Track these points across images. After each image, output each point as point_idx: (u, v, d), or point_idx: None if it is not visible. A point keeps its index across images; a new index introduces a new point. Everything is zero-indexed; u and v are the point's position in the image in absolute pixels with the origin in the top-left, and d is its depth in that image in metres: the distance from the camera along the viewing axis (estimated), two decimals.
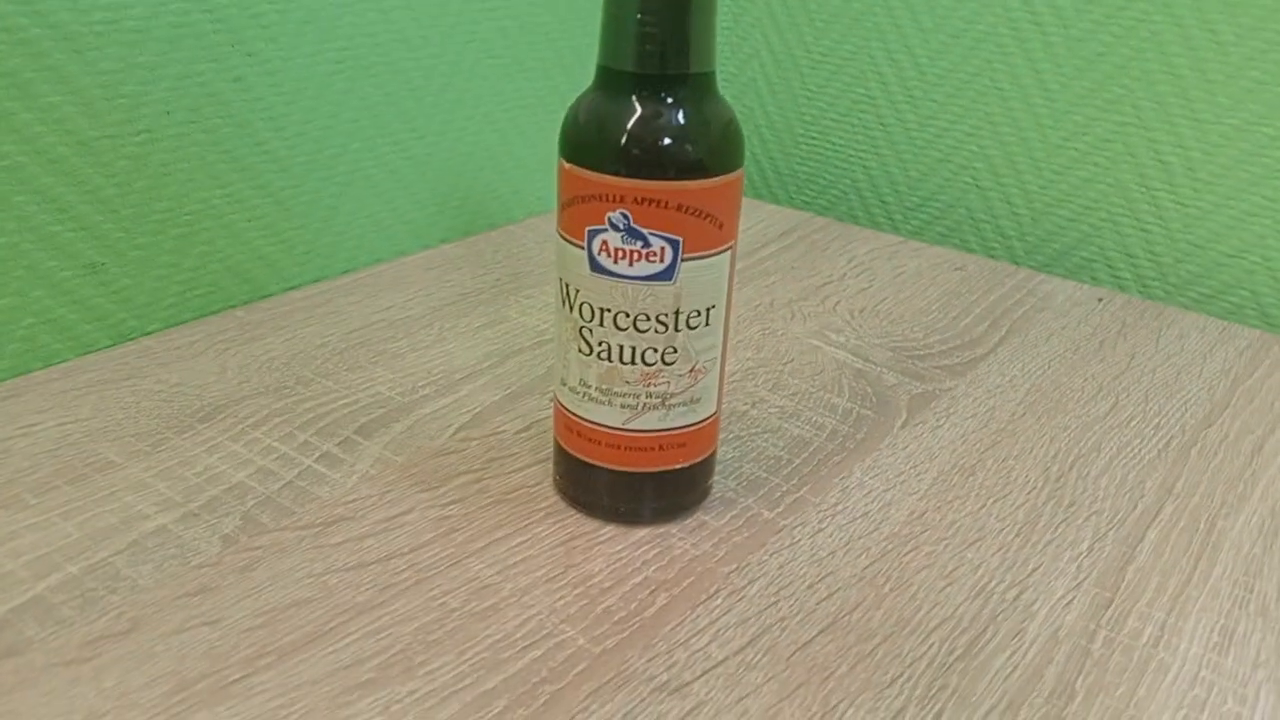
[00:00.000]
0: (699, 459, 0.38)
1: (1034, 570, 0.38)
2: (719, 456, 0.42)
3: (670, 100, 0.34)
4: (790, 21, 0.75)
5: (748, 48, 0.78)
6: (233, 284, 0.53)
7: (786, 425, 0.46)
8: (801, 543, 0.38)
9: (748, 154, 0.81)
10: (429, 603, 0.34)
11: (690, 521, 0.39)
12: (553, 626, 0.34)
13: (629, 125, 0.33)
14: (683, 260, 0.34)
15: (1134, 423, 0.48)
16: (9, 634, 0.32)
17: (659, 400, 0.36)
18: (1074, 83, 0.64)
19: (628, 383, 0.36)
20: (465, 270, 0.59)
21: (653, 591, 0.35)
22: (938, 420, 0.47)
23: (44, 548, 0.36)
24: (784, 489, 0.41)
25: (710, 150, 0.34)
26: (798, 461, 0.43)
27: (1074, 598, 0.36)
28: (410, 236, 0.61)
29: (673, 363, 0.36)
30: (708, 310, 0.36)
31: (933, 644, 0.34)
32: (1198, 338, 0.56)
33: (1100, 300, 0.60)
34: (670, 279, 0.34)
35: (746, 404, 0.47)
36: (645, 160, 0.33)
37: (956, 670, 0.33)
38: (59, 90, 0.44)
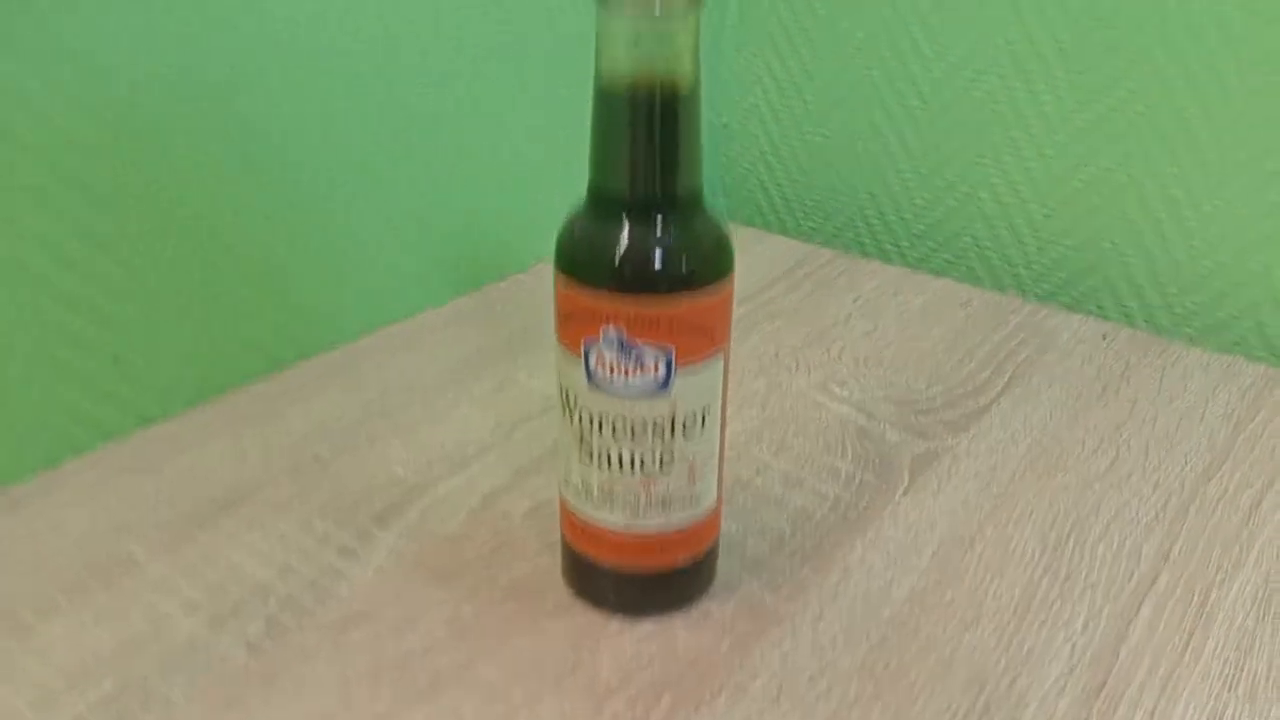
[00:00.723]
0: (701, 552, 0.40)
1: (1029, 653, 0.39)
2: (724, 532, 0.44)
3: (660, 218, 0.34)
4: (792, 49, 0.75)
5: (751, 75, 0.78)
6: (250, 359, 0.55)
7: (790, 495, 0.47)
8: (803, 630, 0.40)
9: (754, 181, 0.81)
10: (444, 713, 0.36)
11: (695, 611, 0.40)
12: None
13: (620, 246, 0.34)
14: (677, 372, 0.35)
15: (1133, 479, 0.48)
16: None
17: (659, 502, 0.37)
18: (1076, 115, 0.64)
19: (628, 488, 0.37)
20: (476, 327, 0.61)
21: (659, 692, 0.37)
22: (939, 484, 0.48)
23: (81, 660, 0.37)
24: (787, 569, 0.43)
25: (700, 266, 0.35)
26: (800, 536, 0.44)
27: (1066, 683, 0.38)
28: (422, 293, 0.63)
29: (670, 468, 0.37)
30: (703, 414, 0.37)
31: None
32: (1201, 377, 0.57)
33: (1105, 337, 0.60)
34: (665, 390, 0.35)
35: (751, 471, 0.49)
36: (637, 280, 0.34)
37: None
38: (74, 194, 0.45)
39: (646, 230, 0.34)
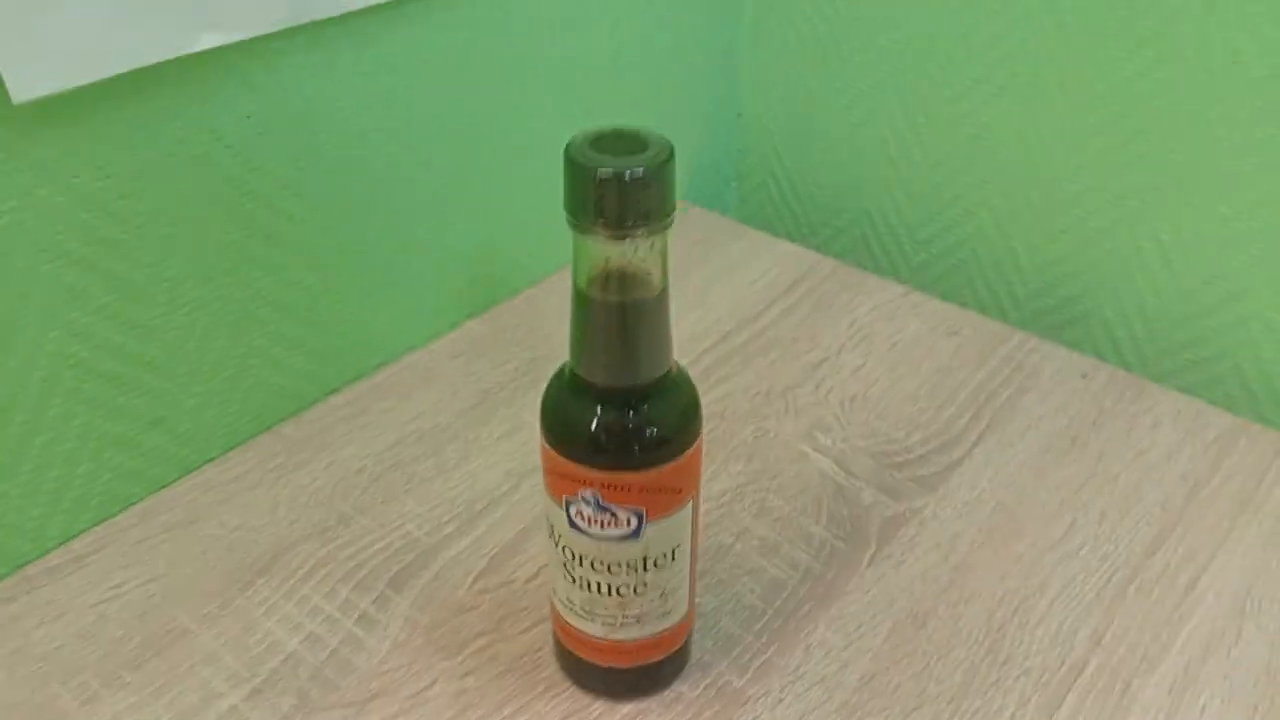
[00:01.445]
0: (674, 651, 0.45)
1: None
2: (700, 610, 0.49)
3: (630, 400, 0.38)
4: (808, 46, 0.76)
5: (766, 68, 0.79)
6: (279, 403, 0.59)
7: (765, 564, 0.52)
8: (762, 716, 0.45)
9: (764, 171, 0.83)
10: None
11: (669, 693, 0.46)
12: None
13: (593, 427, 0.38)
14: (648, 523, 0.40)
15: (1084, 551, 0.53)
16: None
17: (634, 619, 0.42)
18: (1078, 148, 0.65)
19: (606, 608, 0.42)
20: (488, 356, 0.65)
21: None
22: (903, 553, 0.53)
23: None
24: (754, 648, 0.48)
25: (668, 439, 0.39)
26: (770, 613, 0.50)
27: None
28: (438, 318, 0.67)
29: (643, 594, 0.42)
30: (673, 551, 0.41)
31: None
32: (1170, 427, 0.60)
33: (1085, 376, 0.63)
34: (637, 538, 0.40)
35: (731, 536, 0.53)
36: (609, 457, 0.38)
37: None
38: (110, 290, 0.50)
39: (617, 413, 0.38)
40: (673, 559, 0.41)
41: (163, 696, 0.45)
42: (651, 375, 0.38)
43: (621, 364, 0.37)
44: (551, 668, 0.47)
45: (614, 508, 0.39)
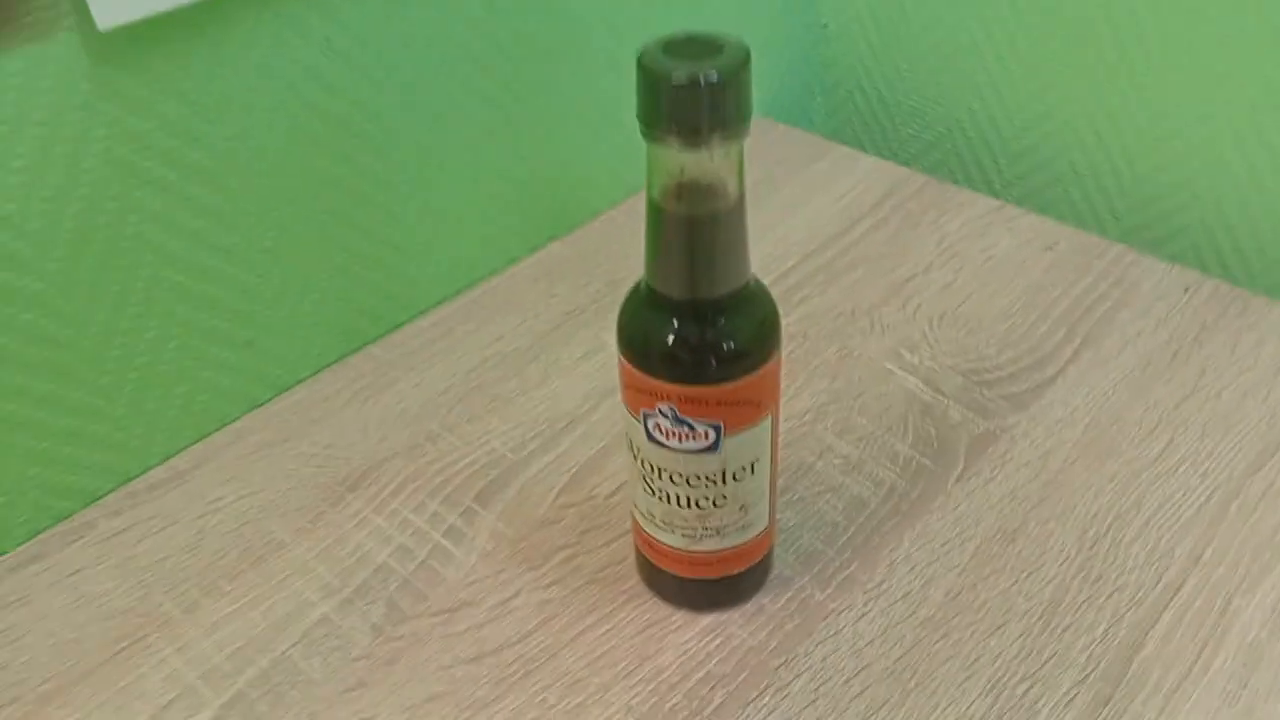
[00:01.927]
0: (755, 563, 0.45)
1: (1048, 660, 0.43)
2: (781, 525, 0.49)
3: (707, 315, 0.38)
4: None
5: None
6: (366, 324, 0.60)
7: (848, 482, 0.51)
8: (845, 630, 0.45)
9: (851, 84, 0.81)
10: (532, 699, 0.43)
11: (750, 606, 0.46)
12: None
13: (670, 340, 0.38)
14: (726, 436, 0.39)
15: (1183, 469, 0.51)
16: None
17: (714, 531, 0.43)
18: (1179, 53, 0.61)
19: (685, 520, 0.42)
20: (568, 280, 0.65)
21: (712, 688, 0.43)
22: (992, 470, 0.51)
23: (240, 640, 0.46)
24: (836, 564, 0.48)
25: (746, 352, 0.38)
26: (853, 530, 0.49)
27: (1077, 694, 0.42)
28: (517, 241, 0.67)
29: (723, 506, 0.42)
30: (752, 464, 0.41)
31: None
32: (1276, 343, 0.57)
33: (1187, 290, 0.61)
34: (716, 451, 0.40)
35: (814, 454, 0.53)
36: (686, 370, 0.38)
37: None
38: (198, 216, 0.51)
39: (693, 327, 0.38)
40: (751, 472, 0.41)
41: (259, 605, 0.47)
42: (727, 289, 0.37)
43: (696, 277, 0.37)
44: (633, 580, 0.47)
45: (691, 421, 0.39)
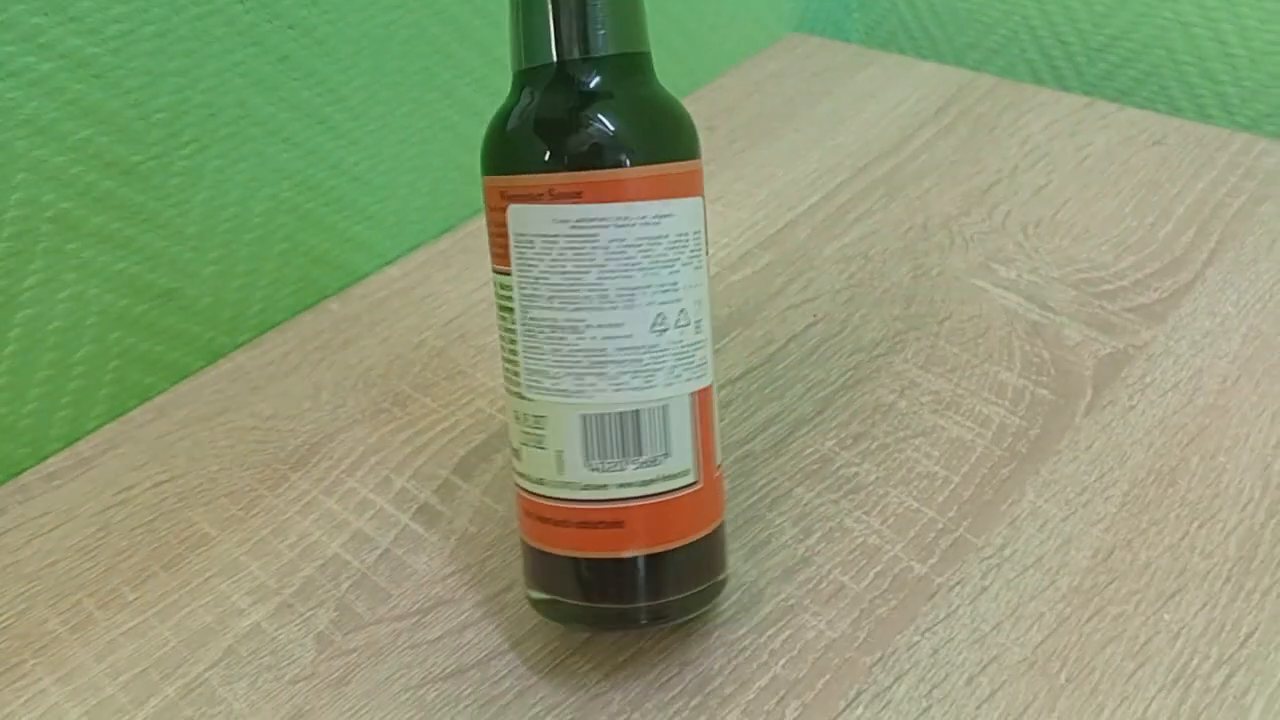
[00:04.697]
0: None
1: (1248, 638, 0.31)
2: (862, 481, 0.37)
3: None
4: None
5: None
6: (323, 274, 0.49)
7: (942, 423, 0.39)
8: (960, 611, 0.33)
9: (890, 7, 0.69)
10: None
11: (826, 586, 0.34)
12: None
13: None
14: None
15: None
16: None
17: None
18: None
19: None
20: None
21: (781, 699, 0.31)
22: (1131, 397, 0.39)
23: (143, 662, 0.34)
24: (939, 526, 0.35)
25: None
26: (956, 480, 0.37)
27: None
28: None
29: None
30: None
31: None
32: None
33: None
34: None
35: (893, 393, 0.41)
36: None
37: None
38: (86, 123, 0.39)
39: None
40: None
41: (169, 617, 0.35)
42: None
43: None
44: None
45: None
